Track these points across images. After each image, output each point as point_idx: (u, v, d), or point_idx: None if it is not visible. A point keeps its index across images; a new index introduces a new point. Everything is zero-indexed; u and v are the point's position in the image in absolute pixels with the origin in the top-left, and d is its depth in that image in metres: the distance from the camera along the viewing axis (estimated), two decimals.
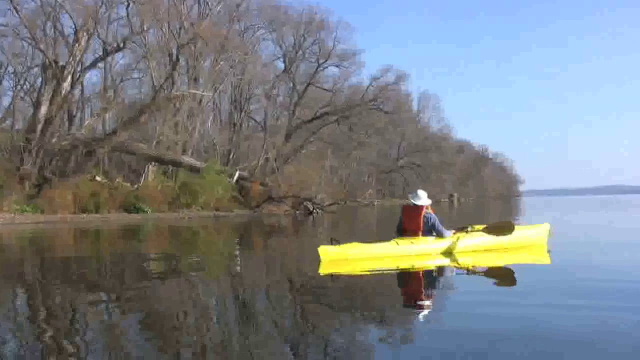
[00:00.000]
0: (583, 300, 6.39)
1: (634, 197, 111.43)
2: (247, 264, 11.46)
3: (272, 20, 51.75)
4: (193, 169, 38.13)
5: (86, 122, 38.83)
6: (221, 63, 44.34)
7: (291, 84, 55.79)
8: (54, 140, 34.03)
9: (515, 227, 11.16)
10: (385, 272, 8.98)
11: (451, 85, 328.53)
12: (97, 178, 35.04)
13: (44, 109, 32.91)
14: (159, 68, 39.91)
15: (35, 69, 36.83)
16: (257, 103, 55.08)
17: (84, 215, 31.43)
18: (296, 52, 54.65)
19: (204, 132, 46.08)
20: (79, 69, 35.19)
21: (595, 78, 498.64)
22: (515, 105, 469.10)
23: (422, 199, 10.59)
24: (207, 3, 44.55)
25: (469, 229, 11.15)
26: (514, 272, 8.65)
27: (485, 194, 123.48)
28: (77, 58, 34.17)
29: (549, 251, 10.96)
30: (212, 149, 46.11)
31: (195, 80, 42.44)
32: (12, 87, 38.35)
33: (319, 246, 9.65)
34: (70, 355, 4.65)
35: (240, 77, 48.04)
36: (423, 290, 7.78)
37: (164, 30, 39.38)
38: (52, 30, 35.05)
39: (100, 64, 39.52)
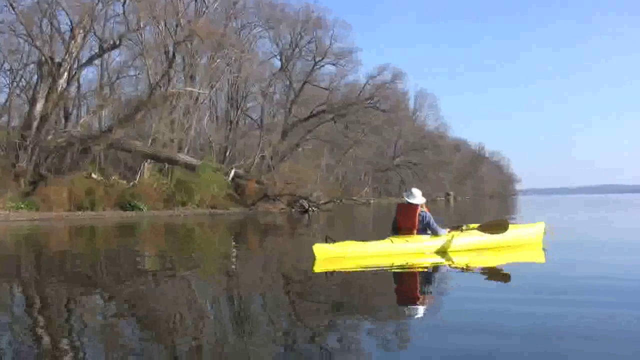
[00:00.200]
0: (576, 298, 6.43)
1: (633, 196, 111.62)
2: (242, 261, 11.46)
3: (268, 18, 51.63)
4: (189, 167, 38.10)
5: (82, 120, 38.78)
6: (218, 61, 44.29)
7: (288, 82, 55.71)
8: (49, 137, 33.95)
9: (510, 225, 11.19)
10: (380, 270, 8.99)
11: (450, 86, 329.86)
12: (93, 175, 34.99)
13: (39, 106, 32.84)
14: (155, 65, 39.81)
15: (31, 66, 36.71)
16: (253, 101, 54.97)
17: (79, 212, 31.38)
18: (293, 50, 54.52)
19: (200, 129, 46.07)
20: (75, 66, 35.12)
21: (595, 78, 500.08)
22: (515, 105, 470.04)
23: (417, 197, 10.61)
24: (204, 0, 44.47)
25: (464, 227, 11.18)
26: (508, 271, 8.69)
27: (482, 192, 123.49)
28: (73, 55, 34.10)
29: (544, 249, 10.98)
30: (208, 147, 46.08)
31: (192, 77, 42.33)
32: (8, 84, 38.25)
33: (314, 244, 9.66)
34: (66, 352, 4.65)
35: (236, 74, 47.96)
36: (418, 289, 7.80)
37: (160, 27, 39.27)
38: (49, 27, 34.91)
39: (97, 61, 39.37)
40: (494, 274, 8.77)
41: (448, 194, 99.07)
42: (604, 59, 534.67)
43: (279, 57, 55.52)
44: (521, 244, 11.37)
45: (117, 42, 35.69)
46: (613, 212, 34.43)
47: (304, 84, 55.33)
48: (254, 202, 38.89)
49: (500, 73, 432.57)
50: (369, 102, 55.64)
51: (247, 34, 51.33)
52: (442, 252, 10.29)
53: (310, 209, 37.98)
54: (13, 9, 32.22)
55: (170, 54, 38.70)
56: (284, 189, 39.73)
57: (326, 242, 9.77)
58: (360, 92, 56.94)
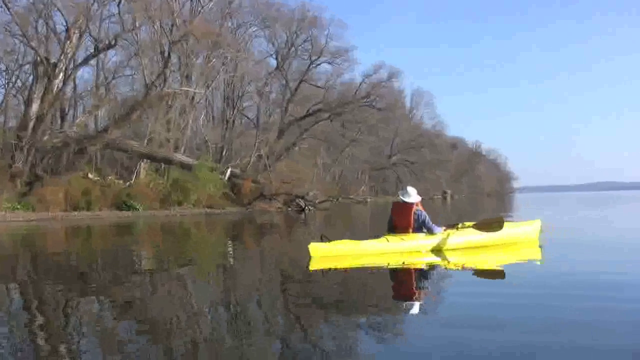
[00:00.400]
0: (571, 293, 6.47)
1: (631, 193, 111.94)
2: (239, 261, 11.46)
3: (264, 17, 51.62)
4: (185, 167, 38.06)
5: (78, 120, 38.74)
6: (213, 60, 44.30)
7: (284, 81, 55.70)
8: (45, 137, 33.94)
9: (506, 223, 11.20)
10: (375, 268, 9.01)
11: (450, 86, 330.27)
12: (90, 175, 34.99)
13: (35, 107, 32.82)
14: (151, 65, 39.81)
15: (27, 67, 36.72)
16: (249, 100, 54.99)
17: (76, 212, 31.36)
18: (289, 49, 54.53)
19: (196, 129, 46.06)
20: (71, 66, 35.03)
21: (595, 78, 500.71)
22: (515, 105, 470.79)
23: (412, 196, 10.62)
24: (199, 0, 44.44)
25: (460, 225, 11.19)
26: (504, 268, 8.73)
27: (479, 190, 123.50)
28: (69, 55, 34.06)
29: (540, 247, 11.00)
30: (205, 147, 46.07)
31: (188, 77, 42.33)
32: (4, 85, 38.24)
33: (309, 243, 9.68)
34: (62, 353, 4.66)
35: (232, 74, 48.00)
36: (413, 286, 7.81)
37: (156, 27, 39.25)
38: (44, 27, 34.91)
39: (93, 61, 39.34)
40: (490, 271, 8.79)
41: (445, 192, 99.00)
42: (604, 59, 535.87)
43: (274, 56, 55.63)
44: (517, 241, 11.38)
45: (113, 42, 35.64)
46: (611, 209, 34.49)
47: (300, 82, 55.36)
48: (250, 202, 38.89)
49: (501, 73, 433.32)
50: (365, 100, 55.68)
51: (242, 33, 51.40)
52: (438, 250, 10.30)
53: (306, 208, 37.99)
54: (8, 9, 32.23)
55: (166, 53, 38.73)
56: (280, 188, 39.75)
57: (322, 241, 9.79)
58: (357, 90, 56.95)
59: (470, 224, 11.18)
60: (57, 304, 6.82)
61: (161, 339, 5.04)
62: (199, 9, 44.05)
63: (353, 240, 10.26)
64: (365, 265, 9.12)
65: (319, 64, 56.50)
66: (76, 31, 33.66)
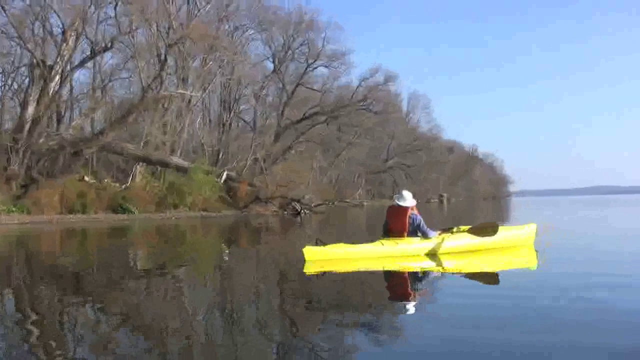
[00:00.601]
0: (564, 298, 6.46)
1: (628, 196, 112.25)
2: (233, 264, 11.45)
3: (261, 21, 51.64)
4: (181, 170, 38.06)
5: (74, 122, 38.68)
6: (210, 63, 44.31)
7: (280, 85, 55.79)
8: (41, 140, 33.88)
9: (501, 227, 11.20)
10: (370, 272, 9.00)
11: (450, 85, 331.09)
12: (86, 178, 34.93)
13: (31, 109, 32.78)
14: (147, 68, 39.77)
15: (23, 69, 36.67)
16: (246, 103, 55.08)
17: (71, 215, 31.30)
18: (285, 53, 54.57)
19: (192, 132, 46.05)
20: (67, 68, 35.01)
21: (596, 79, 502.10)
22: (515, 105, 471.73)
23: (407, 199, 10.62)
24: (196, 3, 44.46)
25: (455, 229, 11.18)
26: (498, 271, 8.77)
27: (476, 194, 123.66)
28: (65, 58, 34.03)
29: (536, 251, 10.99)
30: (201, 150, 46.05)
31: (184, 80, 42.31)
32: (0, 87, 38.19)
33: (304, 247, 9.68)
34: (57, 355, 4.64)
35: (229, 77, 48.01)
36: (408, 291, 7.80)
37: (152, 30, 39.22)
38: (41, 29, 34.85)
39: (89, 64, 39.33)
40: (484, 275, 8.78)
41: (441, 196, 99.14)
42: (604, 59, 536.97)
43: (271, 60, 55.65)
44: (513, 245, 11.37)
45: (109, 45, 35.64)
46: (607, 212, 34.51)
47: (296, 86, 55.44)
48: (246, 205, 38.87)
49: (501, 73, 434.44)
50: (361, 104, 55.79)
51: (239, 36, 51.43)
52: (433, 254, 10.29)
53: (302, 211, 37.99)
54: (5, 11, 32.17)
55: (163, 56, 38.66)
56: (276, 191, 39.72)
57: (316, 244, 9.78)
58: (353, 94, 57.08)
59: (465, 228, 11.18)
60: (50, 307, 6.80)
61: (155, 341, 5.03)
62: (196, 11, 44.08)
63: (348, 244, 10.25)
64: (360, 269, 9.10)
65: (315, 67, 56.70)
66: (73, 33, 33.64)
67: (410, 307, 6.36)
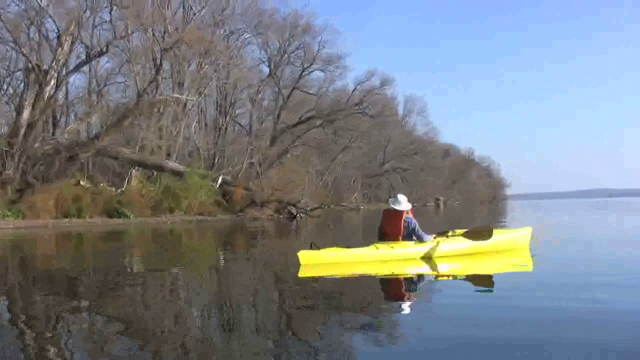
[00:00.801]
0: (557, 299, 6.49)
1: (622, 199, 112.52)
2: (229, 268, 11.45)
3: (256, 25, 51.60)
4: (177, 174, 37.98)
5: (69, 127, 38.65)
6: (206, 67, 44.23)
7: (276, 88, 55.75)
8: (36, 144, 33.84)
9: (496, 231, 11.22)
10: (364, 276, 9.01)
11: (450, 85, 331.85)
12: (81, 182, 34.85)
13: (26, 114, 32.73)
14: (143, 72, 39.76)
15: (18, 74, 36.60)
16: (242, 107, 54.97)
17: (66, 220, 31.24)
18: (281, 56, 54.56)
19: (188, 136, 45.97)
20: (62, 73, 34.97)
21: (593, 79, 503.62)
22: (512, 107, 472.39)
23: (402, 203, 10.62)
24: (192, 7, 44.46)
25: (450, 233, 11.19)
26: (493, 274, 8.79)
27: (472, 197, 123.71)
28: (61, 62, 34.01)
29: (532, 255, 10.98)
30: (197, 154, 45.97)
31: (180, 84, 42.29)
32: None
33: (299, 250, 9.68)
34: (53, 359, 4.63)
35: (224, 81, 47.99)
36: (402, 294, 7.81)
37: (148, 34, 39.22)
38: (36, 34, 34.85)
39: (85, 68, 39.28)
40: (479, 279, 8.78)
41: (438, 199, 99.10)
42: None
43: (267, 63, 55.66)
44: (508, 248, 11.38)
45: (105, 49, 35.62)
46: (602, 215, 34.58)
47: (292, 90, 55.44)
48: (241, 209, 38.82)
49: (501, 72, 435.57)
50: (357, 107, 55.76)
51: (235, 40, 51.31)
52: (427, 258, 10.30)
53: (298, 215, 37.96)
54: (0, 16, 32.09)
55: (158, 60, 38.62)
56: (272, 195, 39.69)
57: (311, 248, 9.78)
58: (349, 97, 57.08)
59: (461, 232, 11.19)
60: (45, 312, 6.79)
61: (152, 344, 5.06)
62: (191, 16, 44.06)
63: (342, 248, 10.24)
64: (354, 273, 9.11)
65: (311, 71, 56.69)
66: (68, 38, 33.63)
67: (408, 307, 6.44)
